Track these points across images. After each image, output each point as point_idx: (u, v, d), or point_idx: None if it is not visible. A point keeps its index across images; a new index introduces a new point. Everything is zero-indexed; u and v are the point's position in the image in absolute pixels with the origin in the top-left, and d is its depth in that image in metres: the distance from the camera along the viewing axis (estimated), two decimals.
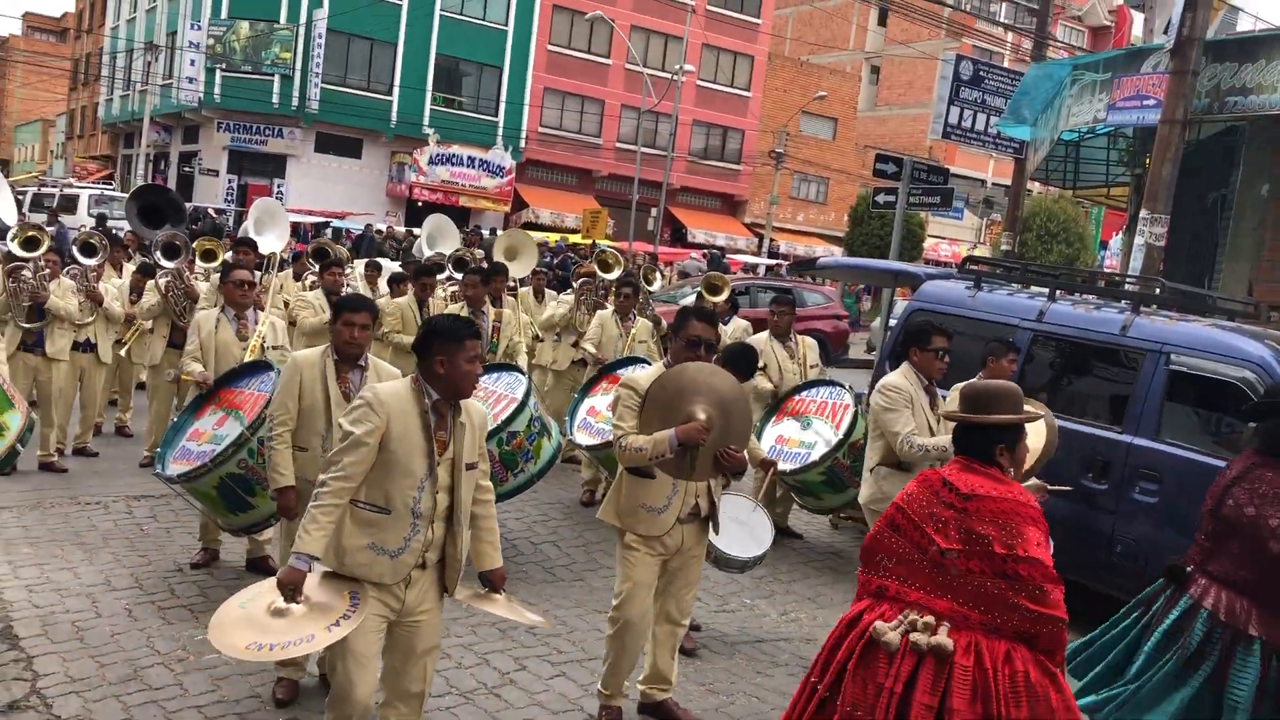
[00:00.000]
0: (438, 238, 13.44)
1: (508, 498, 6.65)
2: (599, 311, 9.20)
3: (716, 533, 4.76)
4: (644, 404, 4.36)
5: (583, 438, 7.43)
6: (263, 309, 7.29)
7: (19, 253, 8.09)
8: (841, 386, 7.53)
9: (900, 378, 5.72)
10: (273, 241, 10.73)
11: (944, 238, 46.70)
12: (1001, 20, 42.93)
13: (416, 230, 15.05)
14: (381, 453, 3.65)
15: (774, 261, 34.53)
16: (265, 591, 3.70)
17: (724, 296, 9.80)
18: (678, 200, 41.38)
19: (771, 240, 42.03)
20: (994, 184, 50.60)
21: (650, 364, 7.83)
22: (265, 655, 3.56)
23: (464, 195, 36.90)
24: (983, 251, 38.16)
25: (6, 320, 8.16)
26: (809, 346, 8.18)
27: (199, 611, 5.54)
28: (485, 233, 27.16)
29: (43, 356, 8.12)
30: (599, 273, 10.20)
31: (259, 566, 6.18)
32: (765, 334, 8.13)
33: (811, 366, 8.09)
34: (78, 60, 57.77)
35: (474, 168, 37.19)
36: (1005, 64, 35.78)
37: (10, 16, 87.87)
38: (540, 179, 40.24)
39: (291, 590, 3.57)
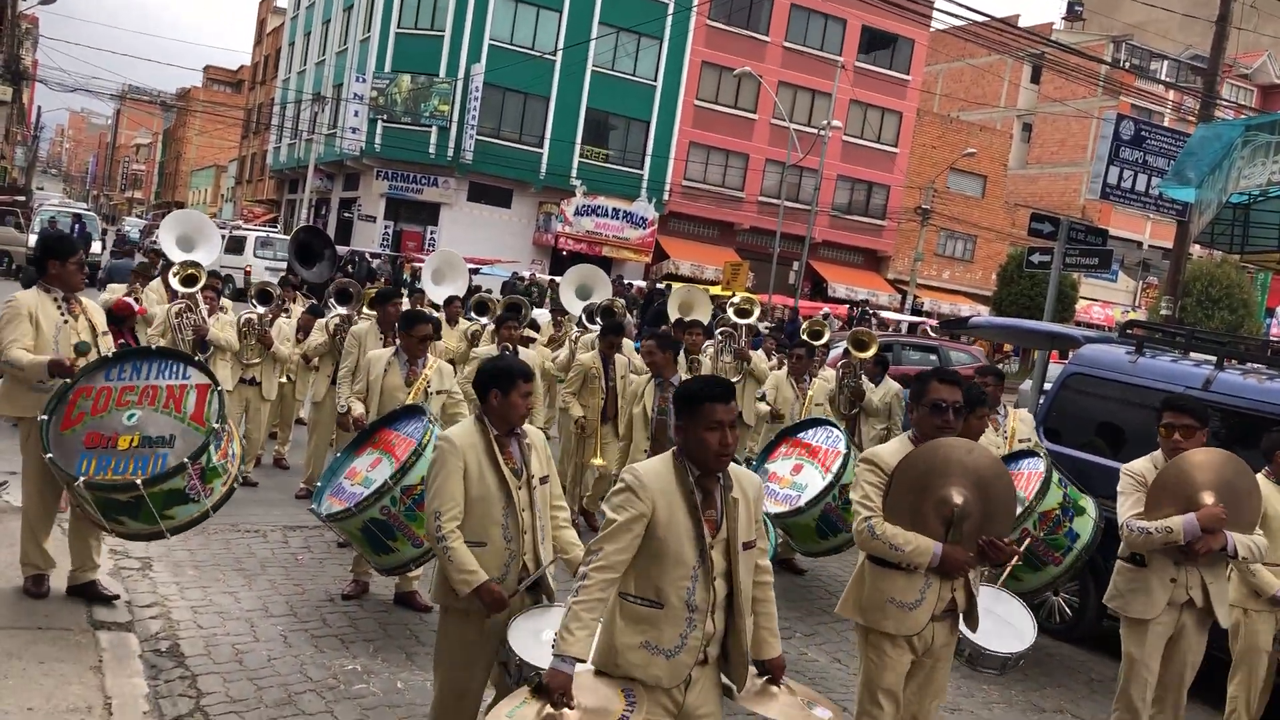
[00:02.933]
0: (592, 288, 12.49)
1: None
2: (773, 373, 9.08)
3: (974, 629, 4.24)
4: (891, 484, 4.02)
5: (768, 505, 7.02)
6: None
7: (179, 289, 8.59)
8: (1037, 456, 6.85)
9: (1147, 463, 5.10)
10: (449, 292, 11.06)
11: (1096, 300, 45.22)
12: (1163, 78, 41.60)
13: (560, 279, 14.95)
14: (649, 540, 3.31)
15: (919, 319, 33.94)
16: (529, 698, 3.29)
17: (871, 353, 9.66)
18: (820, 255, 41.19)
19: (915, 297, 41.40)
20: (1151, 246, 48.80)
21: (834, 426, 7.58)
22: None
23: (607, 245, 37.52)
24: (1138, 315, 36.76)
25: None
26: (1020, 419, 7.41)
27: (349, 641, 5.72)
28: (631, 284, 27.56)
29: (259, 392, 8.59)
30: (735, 319, 10.20)
31: (407, 602, 6.36)
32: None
33: (1021, 440, 7.29)
34: (250, 110, 61.32)
35: (618, 219, 37.84)
36: (1166, 123, 34.65)
37: (193, 69, 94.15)
38: (682, 231, 40.63)
39: (560, 695, 3.21)
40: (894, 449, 4.17)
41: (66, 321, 5.69)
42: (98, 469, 5.10)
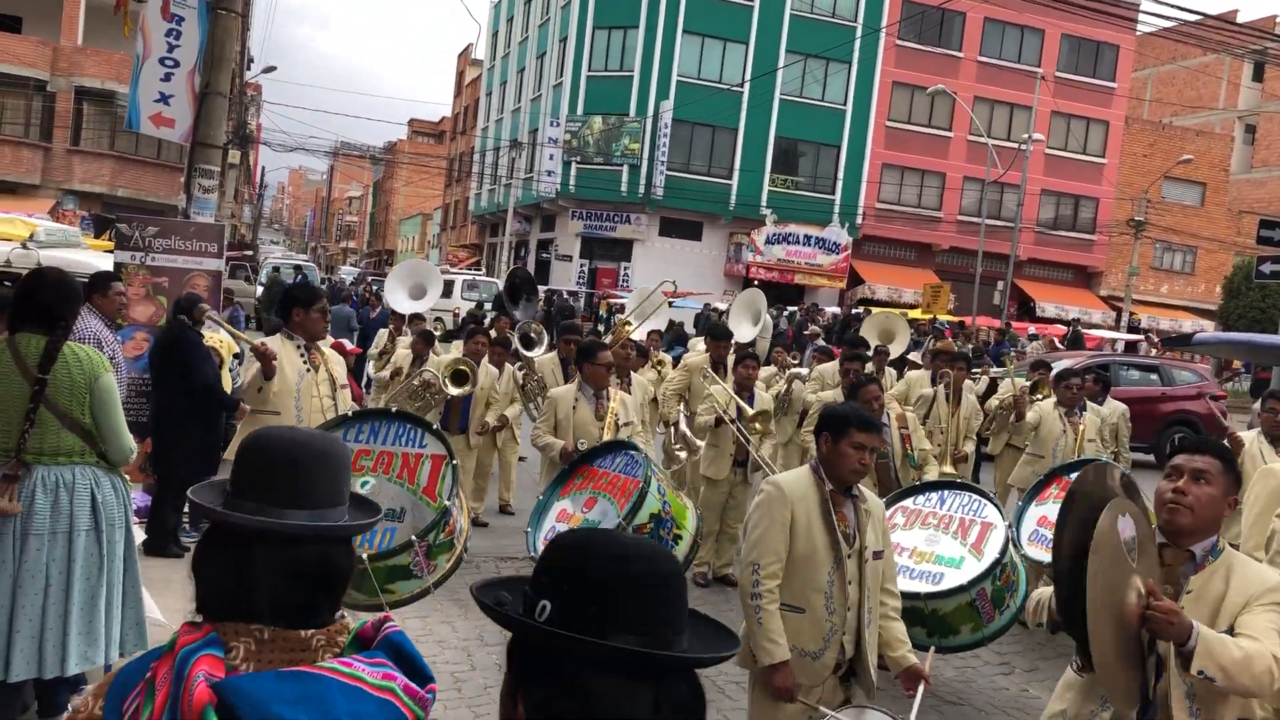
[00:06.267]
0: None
1: (993, 639, 5.74)
2: (1040, 403, 8.48)
3: None
4: None
5: (1034, 551, 6.48)
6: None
7: (452, 390, 8.36)
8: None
9: None
10: (650, 326, 11.15)
11: None
12: None
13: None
14: None
15: (1134, 337, 32.06)
16: None
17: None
18: (1025, 273, 39.57)
19: (1131, 314, 39.17)
20: None
21: (1113, 465, 6.96)
22: None
23: (799, 273, 37.21)
24: None
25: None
26: None
27: None
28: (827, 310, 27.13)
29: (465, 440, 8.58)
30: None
31: None
32: (1254, 433, 6.96)
33: None
34: (453, 159, 64.14)
35: (810, 245, 37.48)
36: None
37: (398, 124, 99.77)
38: (877, 254, 39.86)
39: None
40: None
41: (309, 370, 5.59)
42: None
